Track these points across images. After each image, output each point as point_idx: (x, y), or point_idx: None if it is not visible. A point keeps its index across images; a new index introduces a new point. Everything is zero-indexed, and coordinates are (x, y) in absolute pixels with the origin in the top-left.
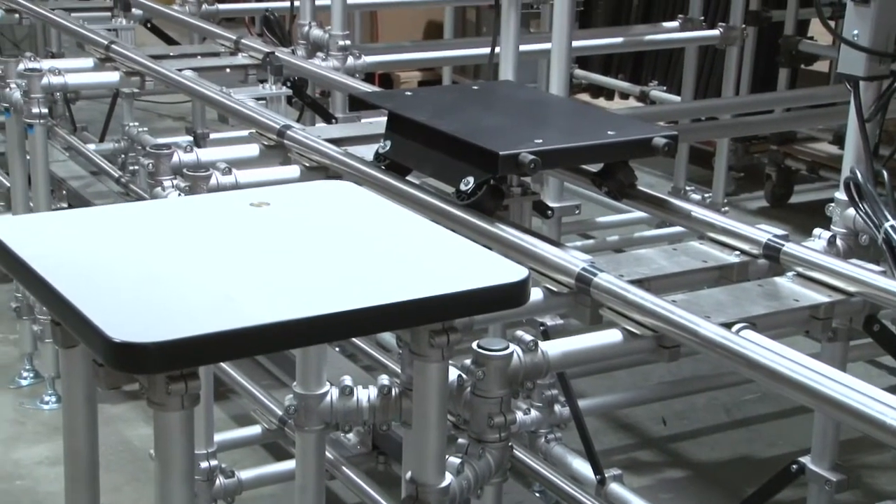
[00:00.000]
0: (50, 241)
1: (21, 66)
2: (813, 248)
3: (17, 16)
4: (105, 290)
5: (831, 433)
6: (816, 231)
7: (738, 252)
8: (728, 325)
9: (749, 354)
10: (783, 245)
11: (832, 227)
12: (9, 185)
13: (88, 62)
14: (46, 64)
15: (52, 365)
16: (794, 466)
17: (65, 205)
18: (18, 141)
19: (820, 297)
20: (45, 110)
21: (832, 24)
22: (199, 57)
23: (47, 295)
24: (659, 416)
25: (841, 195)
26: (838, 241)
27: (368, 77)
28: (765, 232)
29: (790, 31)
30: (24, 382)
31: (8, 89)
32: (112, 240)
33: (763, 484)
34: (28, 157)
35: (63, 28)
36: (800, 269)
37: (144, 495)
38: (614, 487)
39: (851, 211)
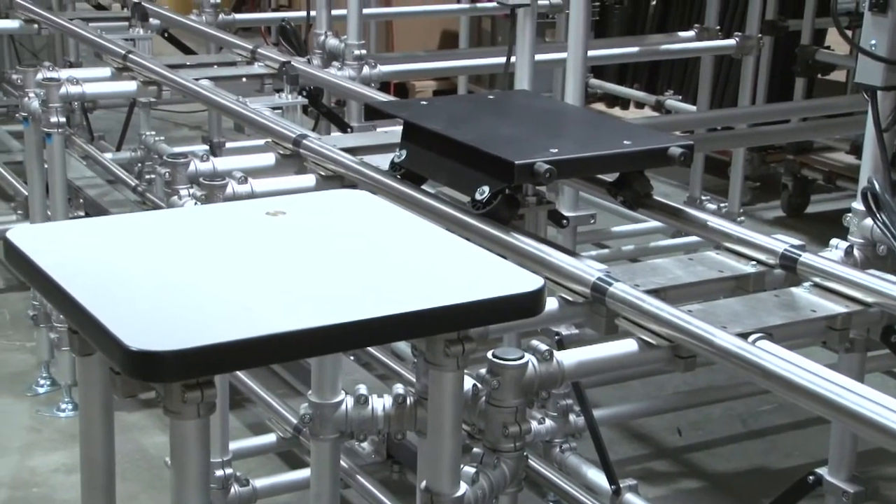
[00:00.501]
0: (67, 249)
1: (39, 76)
2: (830, 258)
3: (35, 26)
4: (122, 298)
5: (848, 444)
6: (833, 241)
7: (754, 262)
8: (744, 336)
9: (765, 365)
10: (800, 255)
11: (849, 237)
12: (27, 193)
13: (106, 72)
14: (64, 73)
15: (69, 373)
16: (811, 478)
17: (82, 213)
18: (37, 150)
19: (837, 308)
20: (63, 119)
21: (849, 33)
22: (215, 66)
23: (65, 303)
24: (674, 426)
25: (858, 205)
26: (855, 252)
27: (384, 86)
28: (781, 242)
29: (807, 40)
30: (40, 390)
31: (27, 98)
32: (129, 248)
33: (779, 495)
34: (46, 166)
35: (81, 38)
36: (817, 280)
37: (160, 503)
38: (629, 498)
39: (869, 221)
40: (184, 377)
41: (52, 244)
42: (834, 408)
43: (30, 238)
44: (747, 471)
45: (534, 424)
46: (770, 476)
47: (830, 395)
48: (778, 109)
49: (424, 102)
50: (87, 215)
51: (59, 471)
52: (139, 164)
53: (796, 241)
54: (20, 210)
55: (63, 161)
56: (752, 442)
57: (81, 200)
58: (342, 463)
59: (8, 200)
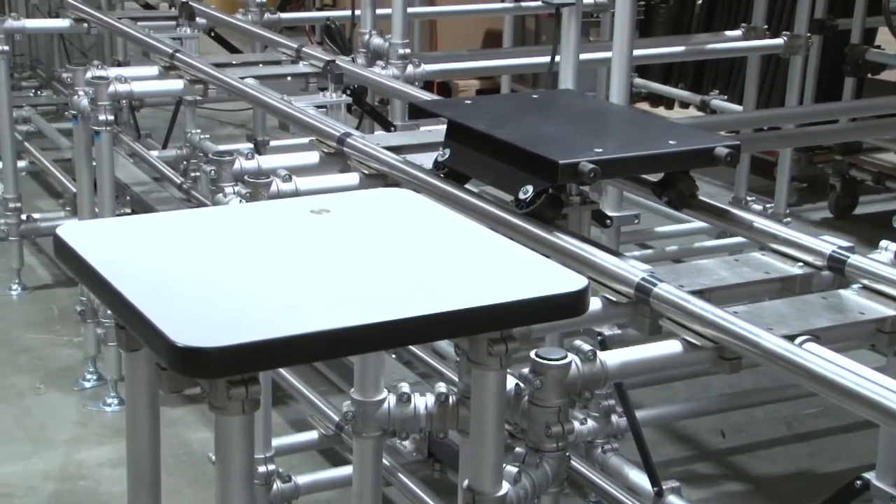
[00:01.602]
0: (115, 246)
1: (89, 75)
2: (879, 260)
3: (85, 25)
4: (169, 295)
5: None
6: (883, 243)
7: (801, 264)
8: (791, 338)
9: (812, 367)
10: (848, 257)
11: None
12: (75, 190)
13: (153, 70)
14: (113, 72)
15: (115, 368)
16: (858, 482)
17: (128, 210)
18: (85, 147)
19: (886, 311)
20: (111, 117)
21: None
22: (260, 65)
23: (113, 299)
24: (718, 428)
25: None
26: None
27: (427, 85)
28: (829, 243)
29: (857, 39)
30: (87, 385)
31: (76, 97)
32: (175, 245)
33: (825, 500)
34: (94, 163)
35: (129, 37)
36: (865, 282)
37: (204, 498)
38: (672, 500)
39: None
40: (229, 373)
41: (100, 241)
42: (882, 411)
43: (79, 234)
44: (792, 474)
45: (576, 425)
46: (815, 480)
47: (879, 399)
48: (826, 109)
49: (468, 101)
50: (134, 212)
51: (105, 464)
52: (185, 162)
53: (845, 243)
54: (68, 207)
55: (111, 158)
56: (797, 445)
57: (128, 198)
58: (384, 461)
59: (57, 197)
